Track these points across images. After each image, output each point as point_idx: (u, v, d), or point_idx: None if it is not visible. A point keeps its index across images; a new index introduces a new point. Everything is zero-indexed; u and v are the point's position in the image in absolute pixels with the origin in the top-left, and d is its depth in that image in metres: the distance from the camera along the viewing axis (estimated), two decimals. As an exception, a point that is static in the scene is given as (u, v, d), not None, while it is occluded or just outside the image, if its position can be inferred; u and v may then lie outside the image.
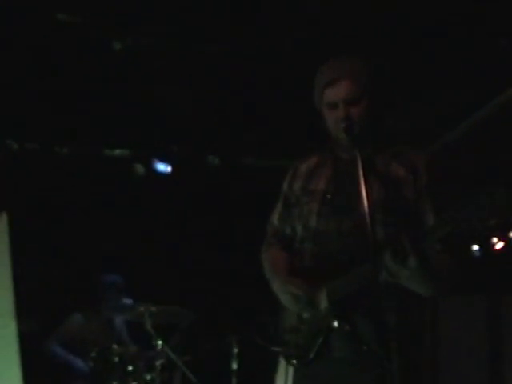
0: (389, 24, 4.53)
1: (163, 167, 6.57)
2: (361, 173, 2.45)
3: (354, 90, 2.63)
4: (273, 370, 5.05)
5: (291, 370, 2.75)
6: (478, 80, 4.97)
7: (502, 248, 6.45)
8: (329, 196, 2.70)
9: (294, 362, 2.69)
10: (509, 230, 6.11)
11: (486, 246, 6.46)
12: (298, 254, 2.76)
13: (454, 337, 6.11)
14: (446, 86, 5.13)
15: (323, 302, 2.60)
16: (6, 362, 3.85)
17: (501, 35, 4.60)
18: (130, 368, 5.01)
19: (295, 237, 2.81)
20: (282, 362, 4.87)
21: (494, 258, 6.42)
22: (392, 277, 2.41)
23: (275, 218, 2.93)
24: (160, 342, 4.95)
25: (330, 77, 2.67)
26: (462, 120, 5.48)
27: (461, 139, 5.51)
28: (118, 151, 6.49)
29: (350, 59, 2.73)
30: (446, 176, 2.69)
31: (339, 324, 2.55)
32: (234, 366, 5.29)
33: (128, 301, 5.71)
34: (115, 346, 5.18)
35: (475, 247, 6.47)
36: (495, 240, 6.47)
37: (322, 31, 4.58)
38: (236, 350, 5.29)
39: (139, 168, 6.51)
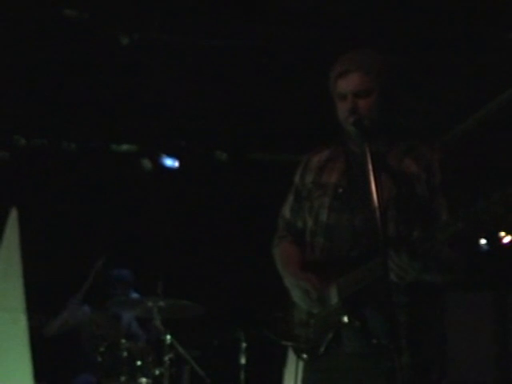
0: (394, 18, 4.52)
1: (171, 162, 6.57)
2: (370, 167, 2.43)
3: (364, 82, 2.62)
4: (281, 364, 5.06)
5: (301, 364, 2.74)
6: (484, 76, 4.96)
7: (509, 242, 6.43)
8: (341, 190, 2.68)
9: (305, 356, 2.69)
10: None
11: (494, 240, 6.44)
12: (309, 247, 2.75)
13: (462, 332, 6.10)
14: (451, 82, 5.12)
15: (334, 298, 2.60)
16: (16, 356, 3.86)
17: (509, 29, 4.58)
18: (139, 363, 5.01)
19: (306, 230, 2.79)
20: (291, 357, 4.88)
21: (501, 252, 6.41)
22: (399, 277, 2.41)
23: (287, 211, 2.91)
24: (169, 337, 4.96)
25: (342, 68, 2.67)
26: (468, 116, 5.47)
27: (466, 135, 5.50)
28: (125, 146, 6.49)
29: (364, 52, 2.71)
30: (458, 171, 2.68)
31: (349, 320, 2.55)
32: (243, 360, 5.29)
33: (136, 295, 5.72)
34: (124, 341, 5.18)
35: (483, 241, 6.46)
36: (503, 234, 6.46)
37: (330, 28, 4.58)
38: (244, 345, 5.29)
39: (147, 163, 6.51)
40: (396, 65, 2.75)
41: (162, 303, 4.99)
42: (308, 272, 2.68)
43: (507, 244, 6.44)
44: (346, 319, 2.56)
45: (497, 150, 5.59)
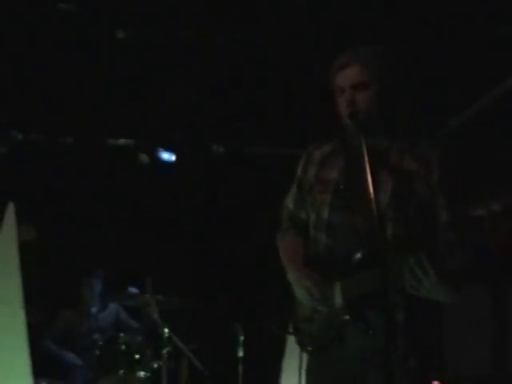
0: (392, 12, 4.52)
1: (167, 156, 6.57)
2: (366, 161, 2.42)
3: (362, 75, 2.61)
4: (279, 357, 5.08)
5: (305, 355, 2.76)
6: (479, 70, 4.96)
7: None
8: (341, 187, 2.67)
9: (310, 349, 2.70)
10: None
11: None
12: (313, 241, 2.74)
13: (459, 325, 6.11)
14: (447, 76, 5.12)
15: (337, 299, 2.60)
16: (15, 350, 3.86)
17: (503, 23, 4.58)
18: (137, 356, 5.03)
19: (309, 223, 2.78)
20: (289, 350, 4.90)
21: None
22: (411, 288, 2.42)
23: (290, 202, 2.90)
24: (166, 330, 4.97)
25: (341, 61, 2.67)
26: (464, 108, 5.47)
27: (463, 129, 5.49)
28: (122, 140, 6.49)
29: (365, 46, 2.70)
30: (456, 169, 2.67)
31: (352, 321, 2.56)
32: (241, 353, 5.30)
33: (133, 290, 5.73)
34: (121, 334, 5.20)
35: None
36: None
37: (328, 20, 4.58)
38: (242, 338, 5.31)
39: (143, 157, 6.51)
40: (399, 61, 2.74)
41: (160, 297, 5.00)
42: (311, 268, 2.68)
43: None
44: (348, 320, 2.57)
45: (493, 146, 5.59)
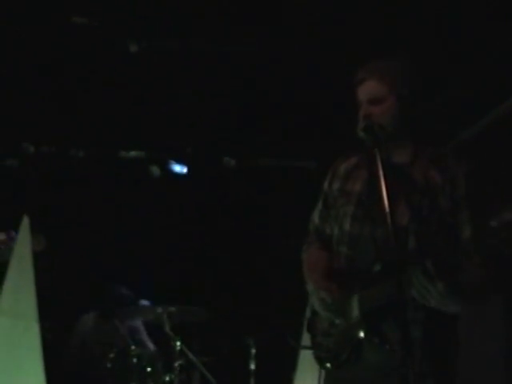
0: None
1: (179, 168, 6.59)
2: (381, 173, 2.43)
3: (378, 89, 2.63)
4: (291, 370, 5.06)
5: (323, 372, 2.74)
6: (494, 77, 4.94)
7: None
8: (364, 199, 2.68)
9: (328, 365, 2.68)
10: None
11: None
12: (336, 255, 2.74)
13: (472, 340, 6.06)
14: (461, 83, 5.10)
15: (355, 311, 2.59)
16: (29, 365, 3.85)
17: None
18: (149, 369, 5.02)
19: (333, 237, 2.78)
20: (301, 363, 4.88)
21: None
22: (421, 297, 2.40)
23: (316, 217, 2.90)
24: (178, 343, 4.96)
25: (359, 76, 2.70)
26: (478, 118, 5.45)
27: (476, 138, 5.46)
28: (133, 153, 6.51)
29: (383, 60, 2.73)
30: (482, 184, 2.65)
31: (368, 335, 2.54)
32: (252, 366, 5.28)
33: (145, 302, 5.73)
34: (133, 347, 5.19)
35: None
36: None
37: (342, 32, 4.58)
38: (254, 351, 5.29)
39: (155, 169, 6.52)
40: (418, 72, 2.73)
41: (172, 309, 4.99)
42: (332, 281, 2.67)
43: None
44: (364, 335, 2.55)
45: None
